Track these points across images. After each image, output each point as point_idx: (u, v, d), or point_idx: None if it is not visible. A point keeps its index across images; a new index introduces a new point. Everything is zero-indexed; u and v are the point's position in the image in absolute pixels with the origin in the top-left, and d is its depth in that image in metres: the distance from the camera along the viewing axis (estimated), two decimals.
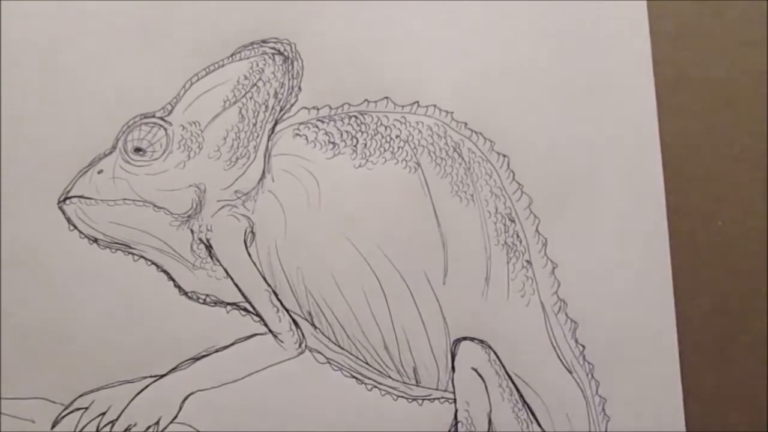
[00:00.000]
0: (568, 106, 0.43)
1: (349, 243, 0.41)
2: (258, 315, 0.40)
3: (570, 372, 0.42)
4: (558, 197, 0.43)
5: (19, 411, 0.39)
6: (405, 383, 0.41)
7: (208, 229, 0.40)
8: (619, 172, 0.43)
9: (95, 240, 0.39)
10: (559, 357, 0.42)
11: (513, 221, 0.42)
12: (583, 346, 0.42)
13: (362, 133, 0.41)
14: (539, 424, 0.41)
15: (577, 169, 0.42)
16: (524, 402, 0.41)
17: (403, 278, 0.41)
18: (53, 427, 0.39)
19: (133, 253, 0.40)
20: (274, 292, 0.40)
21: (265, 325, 0.40)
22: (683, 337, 0.43)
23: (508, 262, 0.42)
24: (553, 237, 0.42)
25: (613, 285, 0.43)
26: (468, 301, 0.41)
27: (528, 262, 0.42)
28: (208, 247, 0.40)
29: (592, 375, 0.42)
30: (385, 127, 0.41)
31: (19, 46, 0.40)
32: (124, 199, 0.39)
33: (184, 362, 0.40)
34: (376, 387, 0.41)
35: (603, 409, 0.42)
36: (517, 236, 0.42)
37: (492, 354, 0.41)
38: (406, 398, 0.41)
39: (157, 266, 0.40)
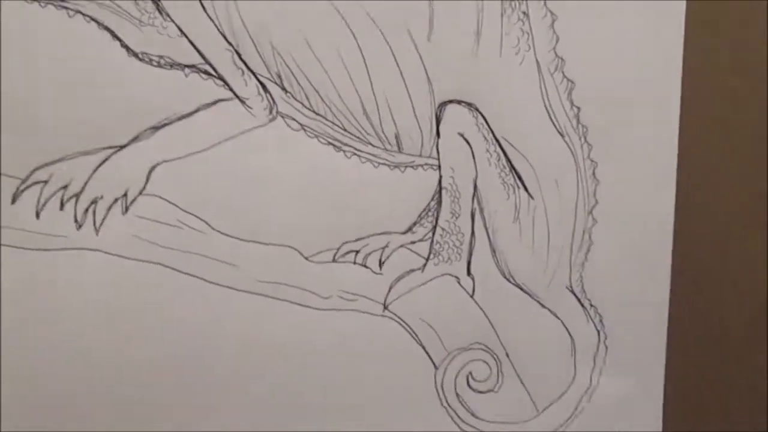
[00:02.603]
0: None
1: None
2: (221, 78, 0.30)
3: (562, 135, 0.32)
4: None
5: None
6: (386, 150, 0.32)
7: None
8: None
9: None
10: (551, 119, 0.33)
11: None
12: (578, 108, 0.33)
13: None
14: (526, 189, 0.33)
15: None
16: (512, 167, 0.32)
17: (382, 34, 0.30)
18: (13, 201, 0.29)
19: (67, 8, 0.28)
20: (237, 52, 0.30)
21: (230, 89, 0.30)
22: (688, 101, 0.33)
23: (502, 14, 0.31)
24: None
25: (618, 41, 0.32)
26: (455, 59, 0.32)
27: (524, 13, 0.31)
28: (155, 0, 0.28)
29: (585, 138, 0.33)
30: None
31: None
32: None
33: (144, 131, 0.32)
34: (355, 154, 0.32)
35: (593, 173, 0.33)
36: None
37: (480, 117, 0.32)
38: (388, 165, 0.33)
39: (98, 23, 0.28)
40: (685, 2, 0.34)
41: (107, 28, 0.31)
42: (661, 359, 0.39)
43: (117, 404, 0.34)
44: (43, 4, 0.30)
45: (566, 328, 0.38)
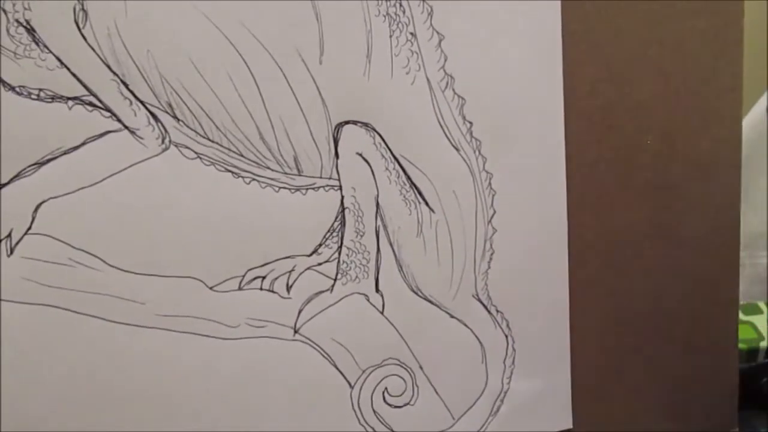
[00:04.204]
0: None
1: (205, 19, 0.26)
2: (108, 109, 0.26)
3: (457, 150, 0.31)
4: None
5: None
6: (286, 173, 0.29)
7: (25, 8, 0.25)
8: None
9: None
10: (446, 135, 0.31)
11: None
12: (471, 123, 0.31)
13: None
14: (427, 204, 0.31)
15: None
16: (412, 183, 0.31)
17: (273, 58, 0.27)
18: None
19: None
20: (123, 82, 0.26)
21: (119, 120, 0.27)
22: (570, 107, 0.32)
23: (390, 36, 0.29)
24: (438, 5, 0.29)
25: (502, 56, 0.31)
26: (348, 81, 0.30)
27: (412, 34, 0.29)
28: (30, 30, 0.24)
29: (479, 152, 0.32)
30: None
31: None
32: None
33: (27, 168, 0.27)
34: (254, 180, 0.29)
35: (489, 184, 0.32)
36: (400, 5, 0.29)
37: (377, 136, 0.30)
38: (289, 189, 0.30)
39: None
40: (560, 14, 0.33)
41: None
42: (566, 358, 0.38)
43: None
44: None
45: (476, 335, 0.36)
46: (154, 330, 0.32)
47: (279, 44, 0.31)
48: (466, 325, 0.37)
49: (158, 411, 0.32)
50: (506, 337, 0.38)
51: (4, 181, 0.29)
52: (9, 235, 0.30)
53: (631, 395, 0.41)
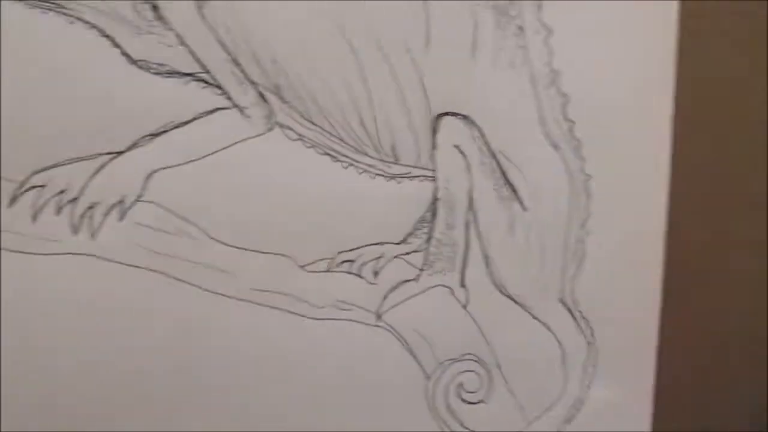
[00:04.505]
0: None
1: (319, 5, 0.26)
2: (219, 87, 0.27)
3: (556, 149, 0.30)
4: None
5: None
6: (383, 161, 0.30)
7: None
8: None
9: None
10: (545, 133, 0.30)
11: None
12: (572, 122, 0.30)
13: None
14: (521, 202, 0.31)
15: None
16: (506, 179, 0.30)
17: (379, 46, 0.27)
18: (10, 205, 0.27)
19: (67, 14, 0.26)
20: (236, 62, 0.27)
21: (229, 98, 0.27)
22: (678, 111, 0.31)
23: (497, 28, 0.28)
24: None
25: (612, 56, 0.30)
26: (451, 72, 0.30)
27: (520, 28, 0.29)
28: (154, 7, 0.25)
29: (578, 152, 0.31)
30: None
31: None
32: None
33: (142, 138, 0.30)
34: (352, 165, 0.30)
35: (586, 187, 0.31)
36: None
37: (475, 130, 0.30)
38: (384, 176, 0.31)
39: (99, 30, 0.26)
40: (676, 15, 0.32)
41: (107, 36, 0.29)
42: (650, 370, 0.36)
43: (111, 408, 0.32)
44: (43, 11, 0.28)
45: (557, 339, 0.35)
46: (246, 303, 0.33)
47: (386, 33, 0.31)
48: (548, 328, 0.36)
49: (237, 380, 0.33)
50: (589, 344, 0.37)
51: (120, 149, 0.31)
52: (121, 201, 0.31)
53: (714, 407, 0.39)
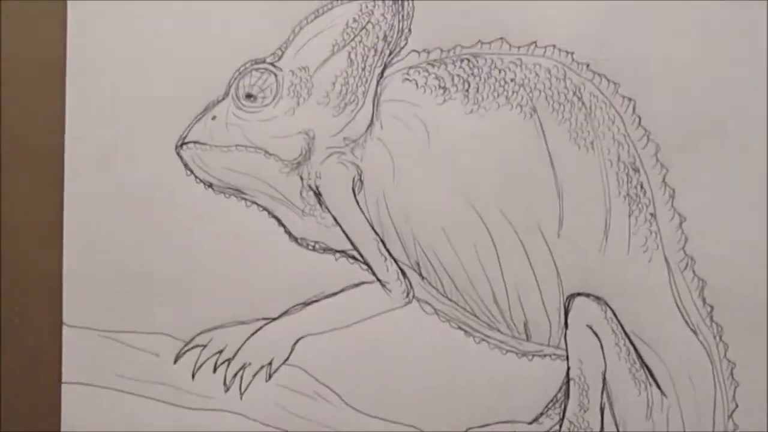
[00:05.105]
0: (699, 48, 0.29)
1: (459, 192, 0.30)
2: (366, 263, 0.31)
3: (695, 333, 0.30)
4: (688, 145, 0.32)
5: (145, 345, 0.33)
6: (515, 338, 0.31)
7: (317, 176, 0.31)
8: (752, 118, 0.31)
9: (210, 185, 0.31)
10: (683, 317, 0.30)
11: (637, 171, 0.30)
12: (711, 307, 0.30)
13: (474, 76, 0.32)
14: (659, 387, 0.30)
15: (708, 115, 0.32)
16: (643, 362, 0.30)
17: (515, 230, 0.30)
18: (176, 361, 0.31)
19: (245, 199, 0.32)
20: (382, 241, 0.31)
21: (373, 273, 0.31)
22: None
23: (630, 215, 0.30)
24: (681, 188, 0.31)
25: (746, 240, 0.30)
26: (584, 255, 0.31)
27: (652, 215, 0.31)
28: (317, 194, 0.31)
29: (720, 337, 0.31)
30: (499, 70, 0.31)
31: None
32: (237, 145, 0.32)
33: (294, 306, 0.33)
34: (484, 340, 0.31)
35: (731, 374, 0.30)
36: (641, 187, 0.30)
37: (609, 311, 0.31)
38: (516, 353, 0.31)
39: (269, 212, 0.32)
40: None
41: (275, 217, 0.34)
42: None
43: None
44: (227, 196, 0.34)
45: None
46: None
47: (522, 218, 0.34)
48: None
49: None
50: None
51: (275, 315, 0.35)
52: (270, 363, 0.35)
53: None
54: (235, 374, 0.34)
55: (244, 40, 0.34)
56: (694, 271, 0.33)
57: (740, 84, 0.33)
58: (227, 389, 0.34)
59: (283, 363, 0.34)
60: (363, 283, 0.34)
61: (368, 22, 0.33)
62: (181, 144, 0.34)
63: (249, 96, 0.34)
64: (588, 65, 0.33)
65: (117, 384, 0.34)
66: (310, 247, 0.34)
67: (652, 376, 0.33)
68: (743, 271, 0.33)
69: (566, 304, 0.33)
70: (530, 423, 0.33)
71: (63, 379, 0.34)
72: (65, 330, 0.34)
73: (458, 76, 0.33)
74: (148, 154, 0.34)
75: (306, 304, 0.34)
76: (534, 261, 0.33)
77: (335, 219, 0.34)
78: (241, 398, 0.34)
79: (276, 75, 0.33)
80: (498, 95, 0.33)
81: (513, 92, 0.33)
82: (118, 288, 0.34)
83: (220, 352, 0.34)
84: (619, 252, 0.33)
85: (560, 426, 0.33)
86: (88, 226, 0.34)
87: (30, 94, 0.34)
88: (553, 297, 0.33)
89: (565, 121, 0.33)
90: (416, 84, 0.33)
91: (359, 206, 0.34)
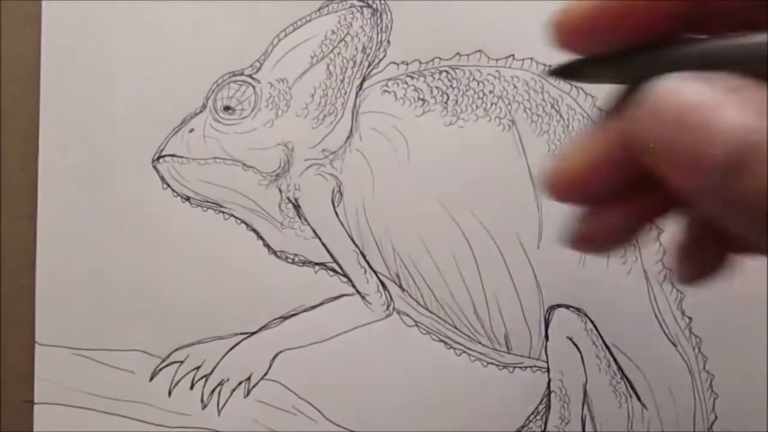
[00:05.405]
0: None
1: (438, 204, 0.30)
2: (346, 276, 0.31)
3: (674, 345, 0.30)
4: None
5: (120, 362, 0.32)
6: (495, 350, 0.31)
7: (296, 189, 0.31)
8: None
9: (187, 198, 0.31)
10: (662, 329, 0.31)
11: None
12: (690, 318, 0.30)
13: (453, 88, 0.31)
14: (639, 399, 0.30)
15: None
16: (623, 375, 0.30)
17: (494, 241, 0.30)
18: (151, 378, 0.30)
19: (223, 212, 0.31)
20: (362, 253, 0.31)
21: (353, 286, 0.30)
22: None
23: None
24: None
25: None
26: (564, 267, 0.31)
27: None
28: (296, 207, 0.31)
29: (699, 349, 0.31)
30: (478, 83, 0.31)
31: (109, 5, 0.31)
32: (215, 157, 0.32)
33: (273, 320, 0.32)
34: (465, 352, 0.31)
35: (710, 386, 0.30)
36: None
37: (589, 323, 0.31)
38: (497, 365, 0.31)
39: (247, 225, 0.32)
40: None
41: (254, 230, 0.33)
42: None
43: None
44: (204, 209, 0.33)
45: None
46: None
47: (501, 230, 0.33)
48: None
49: None
50: None
51: (253, 329, 0.34)
52: (248, 379, 0.34)
53: None
54: (213, 390, 0.33)
55: (222, 53, 0.34)
56: (672, 283, 0.33)
57: None
58: (204, 406, 0.33)
59: (262, 378, 0.33)
60: (343, 295, 0.34)
61: (347, 33, 0.33)
62: (158, 157, 0.33)
63: (227, 108, 0.33)
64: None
65: (91, 403, 0.33)
66: (289, 260, 0.34)
67: (632, 387, 0.33)
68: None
69: (547, 315, 0.33)
70: None
71: (35, 400, 0.33)
72: (37, 349, 0.33)
73: (437, 88, 0.33)
74: (123, 169, 0.33)
75: (285, 317, 0.34)
76: (514, 273, 0.33)
77: (314, 231, 0.33)
78: (219, 415, 0.33)
79: (254, 87, 0.33)
80: (477, 107, 0.33)
81: (492, 104, 0.33)
82: (91, 304, 0.33)
83: (198, 368, 0.34)
84: (598, 264, 0.33)
85: None
86: (61, 241, 0.33)
87: (3, 107, 0.33)
88: (533, 309, 0.33)
89: (544, 133, 0.33)
90: (395, 96, 0.33)
91: (338, 218, 0.33)
